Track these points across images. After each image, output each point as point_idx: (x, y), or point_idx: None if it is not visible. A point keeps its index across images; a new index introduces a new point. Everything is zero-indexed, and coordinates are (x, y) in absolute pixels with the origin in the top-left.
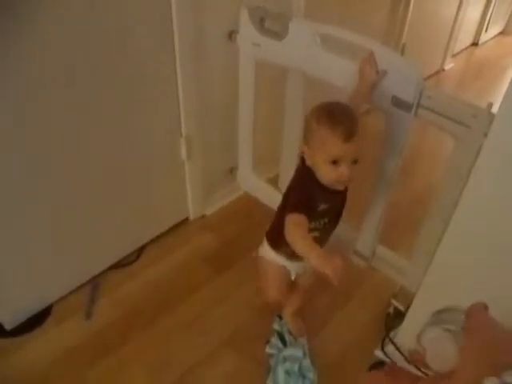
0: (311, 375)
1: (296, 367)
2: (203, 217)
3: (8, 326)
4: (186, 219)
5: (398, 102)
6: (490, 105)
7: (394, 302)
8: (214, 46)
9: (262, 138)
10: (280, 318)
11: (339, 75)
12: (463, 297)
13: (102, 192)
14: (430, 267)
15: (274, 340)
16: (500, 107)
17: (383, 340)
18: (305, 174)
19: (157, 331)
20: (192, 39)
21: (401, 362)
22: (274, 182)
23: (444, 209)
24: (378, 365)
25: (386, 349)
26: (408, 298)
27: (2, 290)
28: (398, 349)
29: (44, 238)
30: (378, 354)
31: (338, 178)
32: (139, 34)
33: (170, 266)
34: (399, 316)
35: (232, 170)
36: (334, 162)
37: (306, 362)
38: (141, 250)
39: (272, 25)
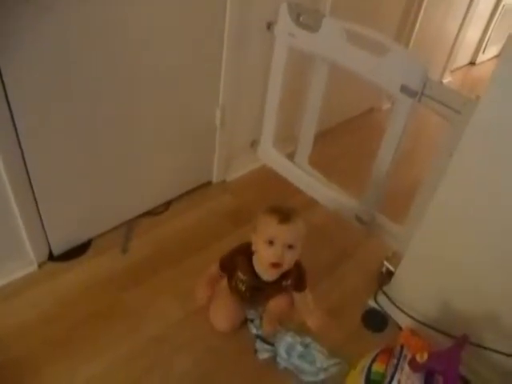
0: (309, 340)
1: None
2: (224, 182)
3: (55, 252)
4: (209, 182)
5: (405, 90)
6: (478, 97)
7: (386, 263)
8: (255, 34)
9: (283, 118)
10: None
11: (360, 65)
12: (444, 262)
13: (142, 146)
14: (416, 232)
15: (259, 344)
16: (483, 98)
17: (376, 292)
18: (245, 249)
19: (184, 268)
20: (238, 28)
21: (390, 310)
22: (290, 157)
23: (433, 181)
24: (369, 312)
25: (377, 299)
26: (399, 262)
27: (53, 222)
28: (389, 298)
29: (89, 183)
30: (371, 303)
31: (271, 258)
32: (197, 22)
33: (195, 218)
34: (390, 275)
35: (253, 143)
36: (270, 243)
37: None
38: (169, 204)
39: (306, 19)
